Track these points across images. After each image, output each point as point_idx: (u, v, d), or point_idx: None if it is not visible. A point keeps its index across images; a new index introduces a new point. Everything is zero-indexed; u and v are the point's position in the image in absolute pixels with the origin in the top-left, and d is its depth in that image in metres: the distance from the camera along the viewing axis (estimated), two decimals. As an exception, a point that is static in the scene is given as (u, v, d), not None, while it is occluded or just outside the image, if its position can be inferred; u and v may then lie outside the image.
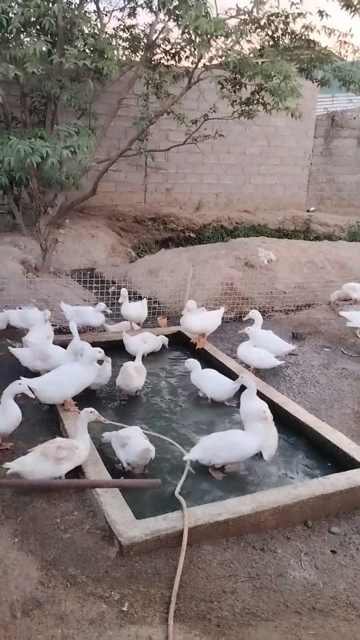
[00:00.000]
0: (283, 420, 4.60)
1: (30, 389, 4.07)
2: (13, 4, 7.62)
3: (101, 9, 9.76)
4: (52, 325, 5.88)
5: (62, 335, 6.08)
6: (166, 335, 6.13)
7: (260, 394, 4.85)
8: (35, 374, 4.98)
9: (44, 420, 4.54)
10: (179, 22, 8.48)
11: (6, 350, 5.57)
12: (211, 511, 3.31)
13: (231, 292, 7.73)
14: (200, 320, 5.95)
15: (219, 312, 6.20)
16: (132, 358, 5.24)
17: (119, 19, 10.20)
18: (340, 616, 2.80)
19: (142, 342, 5.69)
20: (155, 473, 3.91)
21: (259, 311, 6.24)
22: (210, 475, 3.91)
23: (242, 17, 8.71)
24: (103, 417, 4.00)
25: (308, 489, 3.54)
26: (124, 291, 6.42)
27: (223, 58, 8.93)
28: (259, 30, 9.28)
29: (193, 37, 8.56)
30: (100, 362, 4.74)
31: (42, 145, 7.27)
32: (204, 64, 9.70)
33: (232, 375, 5.42)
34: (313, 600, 2.89)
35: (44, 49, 7.46)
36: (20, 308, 6.24)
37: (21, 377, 4.14)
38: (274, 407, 4.72)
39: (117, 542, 3.06)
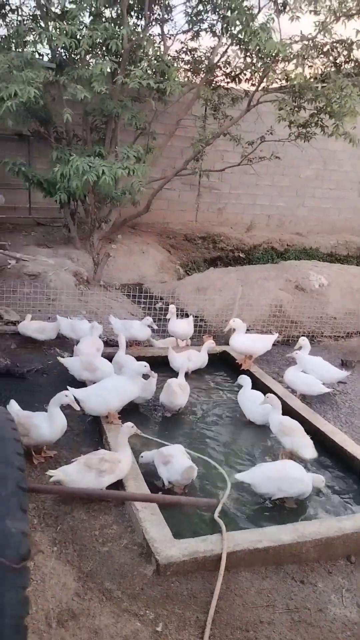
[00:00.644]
0: (329, 449, 4.49)
1: (76, 400, 4.12)
2: (82, 27, 7.90)
3: (165, 32, 10.01)
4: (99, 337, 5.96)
5: (109, 347, 6.15)
6: (212, 355, 6.09)
7: (306, 422, 4.77)
8: (82, 384, 5.04)
9: (87, 431, 4.58)
10: (242, 46, 8.59)
11: (55, 359, 5.69)
12: (251, 537, 3.24)
13: (280, 314, 7.64)
14: (248, 341, 5.91)
15: (271, 337, 6.13)
16: (177, 374, 5.24)
17: (182, 42, 10.44)
18: (382, 660, 2.67)
19: (187, 359, 5.69)
20: (194, 493, 3.87)
21: (308, 336, 6.14)
22: (249, 500, 3.83)
23: (306, 42, 8.74)
24: (140, 431, 3.99)
25: (353, 523, 3.42)
26: (172, 307, 6.45)
27: (284, 81, 8.98)
28: (321, 55, 9.29)
29: (255, 60, 8.65)
30: (146, 376, 4.76)
31: (99, 163, 7.46)
32: (264, 87, 9.77)
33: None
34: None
35: (108, 69, 7.68)
36: (70, 318, 6.36)
37: (68, 387, 4.20)
38: (320, 436, 4.62)
39: (154, 560, 3.03)
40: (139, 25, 9.68)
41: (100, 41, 7.89)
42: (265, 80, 9.34)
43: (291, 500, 3.84)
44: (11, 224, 11.01)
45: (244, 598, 2.96)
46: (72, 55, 8.49)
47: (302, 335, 6.50)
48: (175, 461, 3.79)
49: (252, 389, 5.17)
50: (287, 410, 4.98)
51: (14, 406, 4.06)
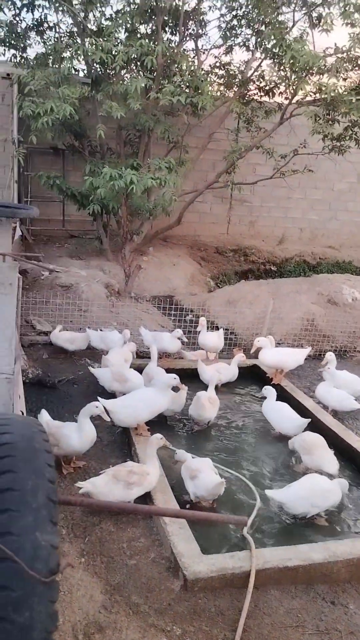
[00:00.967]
0: (361, 467, 4.39)
1: (106, 410, 4.13)
2: (118, 43, 8.04)
3: (199, 47, 10.11)
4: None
5: (139, 359, 6.17)
6: (242, 368, 6.05)
7: (338, 438, 4.69)
8: (112, 395, 5.06)
9: (116, 442, 4.59)
10: (275, 60, 8.61)
11: (85, 369, 5.73)
12: (280, 555, 3.18)
13: (311, 328, 7.55)
14: (278, 355, 5.85)
15: (303, 351, 6.06)
16: (206, 387, 5.22)
17: (215, 57, 10.52)
18: None
19: (217, 372, 5.66)
20: (223, 508, 3.83)
21: (340, 350, 6.04)
22: (278, 516, 3.77)
23: (340, 55, 8.71)
24: (169, 443, 3.98)
25: (386, 544, 3.32)
26: (202, 320, 6.44)
27: (318, 94, 8.95)
28: (356, 68, 9.23)
29: (289, 74, 8.65)
30: (176, 389, 4.75)
31: (129, 172, 7.56)
32: (298, 100, 9.76)
33: (307, 414, 5.27)
34: (387, 666, 2.68)
35: (143, 84, 7.79)
36: (101, 330, 6.41)
37: (98, 398, 4.22)
38: (352, 453, 4.53)
39: (182, 575, 3.00)
40: (173, 41, 9.81)
41: (135, 57, 8.02)
42: (298, 93, 9.33)
43: (322, 518, 3.76)
44: (45, 236, 11.21)
45: (273, 617, 2.90)
46: (107, 71, 8.65)
47: (333, 350, 6.40)
48: (203, 476, 3.75)
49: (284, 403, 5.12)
50: (319, 427, 4.90)
51: (44, 416, 4.10)
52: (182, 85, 8.50)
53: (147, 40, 7.94)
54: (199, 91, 8.29)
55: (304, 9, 9.05)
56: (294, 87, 9.16)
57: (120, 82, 8.10)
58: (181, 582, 3.01)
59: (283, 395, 5.59)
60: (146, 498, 3.69)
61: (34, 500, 1.43)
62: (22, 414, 3.39)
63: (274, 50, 8.62)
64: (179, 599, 2.93)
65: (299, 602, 3.04)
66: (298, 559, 3.15)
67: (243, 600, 2.92)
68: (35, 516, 1.41)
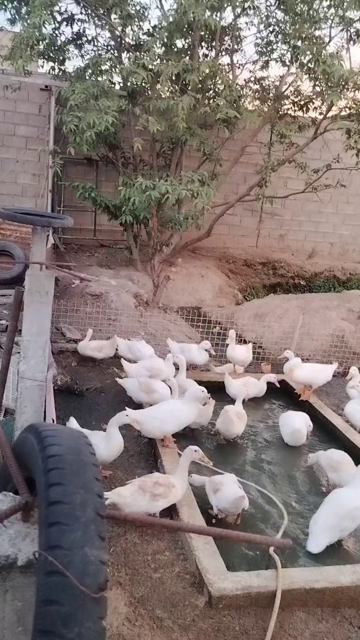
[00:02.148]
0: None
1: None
2: (156, 59, 8.15)
3: (234, 62, 10.18)
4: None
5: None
6: (270, 383, 5.98)
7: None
8: (138, 405, 5.07)
9: (142, 453, 4.59)
10: (311, 75, 8.61)
11: (113, 379, 5.76)
12: (307, 576, 3.12)
13: (341, 345, 7.45)
14: (309, 372, 5.78)
15: (331, 366, 5.98)
16: (232, 400, 5.18)
17: (250, 71, 10.58)
18: None
19: (244, 386, 5.62)
20: (247, 526, 3.79)
21: (371, 368, 5.94)
22: (304, 535, 3.70)
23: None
24: (207, 459, 3.95)
25: None
26: (232, 333, 6.42)
27: (352, 109, 8.91)
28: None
29: (324, 89, 8.64)
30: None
31: (163, 183, 7.62)
32: (332, 115, 9.73)
33: (335, 432, 5.20)
34: None
35: (188, 103, 7.83)
36: (129, 339, 6.44)
37: (126, 408, 4.23)
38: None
39: (206, 592, 2.97)
40: (208, 56, 9.90)
41: (175, 73, 8.09)
42: (333, 108, 9.31)
43: (350, 540, 3.68)
44: (76, 245, 11.37)
45: (298, 640, 2.85)
46: (143, 84, 8.77)
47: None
48: (225, 489, 3.73)
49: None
50: (348, 446, 4.83)
51: (73, 423, 4.13)
52: (219, 100, 8.55)
53: (188, 58, 8.02)
54: (236, 106, 8.34)
55: (341, 24, 9.06)
56: (329, 102, 9.15)
57: (157, 97, 8.19)
58: (206, 598, 2.98)
59: (311, 413, 5.52)
60: (171, 511, 3.68)
61: (83, 515, 1.42)
62: (53, 421, 3.42)
63: (309, 65, 8.64)
64: (204, 615, 2.90)
65: (325, 625, 2.97)
66: (325, 581, 3.09)
67: (268, 620, 2.87)
68: (84, 531, 1.40)
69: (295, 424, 4.93)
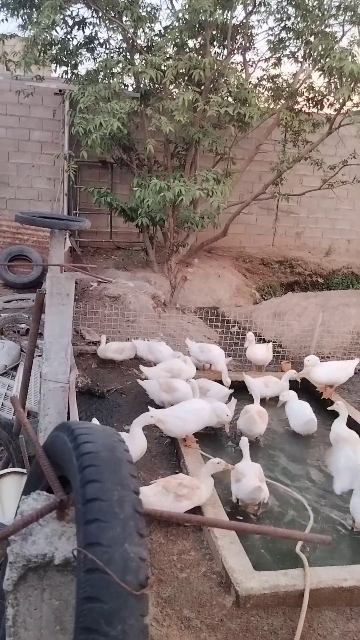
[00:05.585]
0: None
1: (157, 420, 4.13)
2: (167, 58, 8.16)
3: (247, 60, 10.15)
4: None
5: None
6: (291, 382, 5.94)
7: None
8: (159, 406, 5.07)
9: (164, 453, 4.58)
10: (324, 70, 8.55)
11: (133, 380, 5.77)
12: (335, 575, 3.09)
13: (361, 342, 7.37)
14: (329, 371, 5.72)
15: (353, 362, 5.92)
16: (251, 400, 5.16)
17: (263, 69, 10.54)
18: None
19: (264, 385, 5.59)
20: (273, 523, 3.76)
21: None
22: (332, 532, 3.67)
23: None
24: (231, 466, 3.93)
25: None
26: (250, 335, 6.40)
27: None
28: None
29: (338, 84, 8.57)
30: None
31: (177, 184, 7.62)
32: (347, 111, 9.65)
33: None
34: None
35: (190, 97, 7.86)
36: (148, 340, 6.45)
37: (150, 408, 4.23)
38: None
39: (234, 591, 2.95)
40: (220, 54, 9.89)
41: (184, 71, 8.11)
42: (349, 100, 9.23)
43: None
44: (93, 248, 11.43)
45: (328, 639, 2.81)
46: (156, 85, 8.78)
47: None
48: (245, 480, 3.75)
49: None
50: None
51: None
52: (229, 99, 8.54)
53: (195, 54, 8.03)
54: (247, 103, 8.31)
55: (353, 18, 8.98)
56: (343, 98, 9.08)
57: (169, 97, 8.21)
58: (233, 598, 2.96)
59: (333, 410, 5.46)
60: (196, 511, 3.66)
61: (121, 511, 1.41)
62: (76, 422, 3.43)
63: (322, 61, 8.58)
64: (231, 615, 2.88)
65: (354, 624, 2.94)
66: (354, 580, 3.05)
67: (296, 620, 2.85)
68: (123, 527, 1.39)
69: (307, 414, 5.02)
